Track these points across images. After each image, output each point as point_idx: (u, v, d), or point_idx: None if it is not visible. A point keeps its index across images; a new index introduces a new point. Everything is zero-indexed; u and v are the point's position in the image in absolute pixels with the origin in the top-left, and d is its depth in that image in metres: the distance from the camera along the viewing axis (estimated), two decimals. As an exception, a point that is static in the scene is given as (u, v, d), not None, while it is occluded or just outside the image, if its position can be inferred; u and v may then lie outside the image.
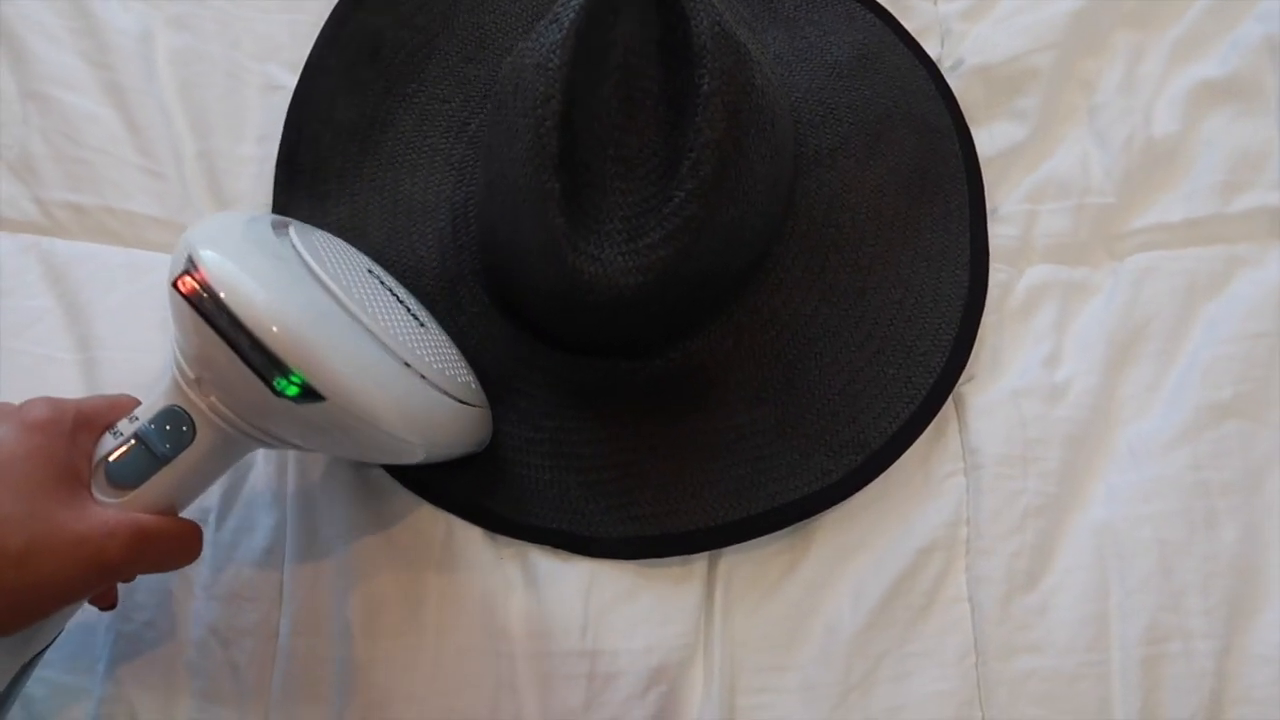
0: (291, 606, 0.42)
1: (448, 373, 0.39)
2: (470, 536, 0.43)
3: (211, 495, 0.42)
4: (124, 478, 0.34)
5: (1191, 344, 0.47)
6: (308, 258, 0.36)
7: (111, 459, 0.34)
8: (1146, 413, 0.46)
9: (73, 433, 0.34)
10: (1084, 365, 0.46)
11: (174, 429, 0.34)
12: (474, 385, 0.42)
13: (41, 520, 0.31)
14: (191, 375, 0.34)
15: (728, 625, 0.42)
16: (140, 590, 0.41)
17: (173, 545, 0.35)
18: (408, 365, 0.36)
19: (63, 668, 0.40)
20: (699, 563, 0.43)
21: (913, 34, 0.52)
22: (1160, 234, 0.49)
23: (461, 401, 0.39)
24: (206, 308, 0.32)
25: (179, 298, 0.33)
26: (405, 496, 0.43)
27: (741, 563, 0.43)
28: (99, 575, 0.33)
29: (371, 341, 0.35)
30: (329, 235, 0.42)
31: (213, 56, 0.50)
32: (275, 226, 0.38)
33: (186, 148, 0.48)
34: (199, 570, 0.42)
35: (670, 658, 0.42)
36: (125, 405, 0.36)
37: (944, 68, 0.52)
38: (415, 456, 0.37)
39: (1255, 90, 0.50)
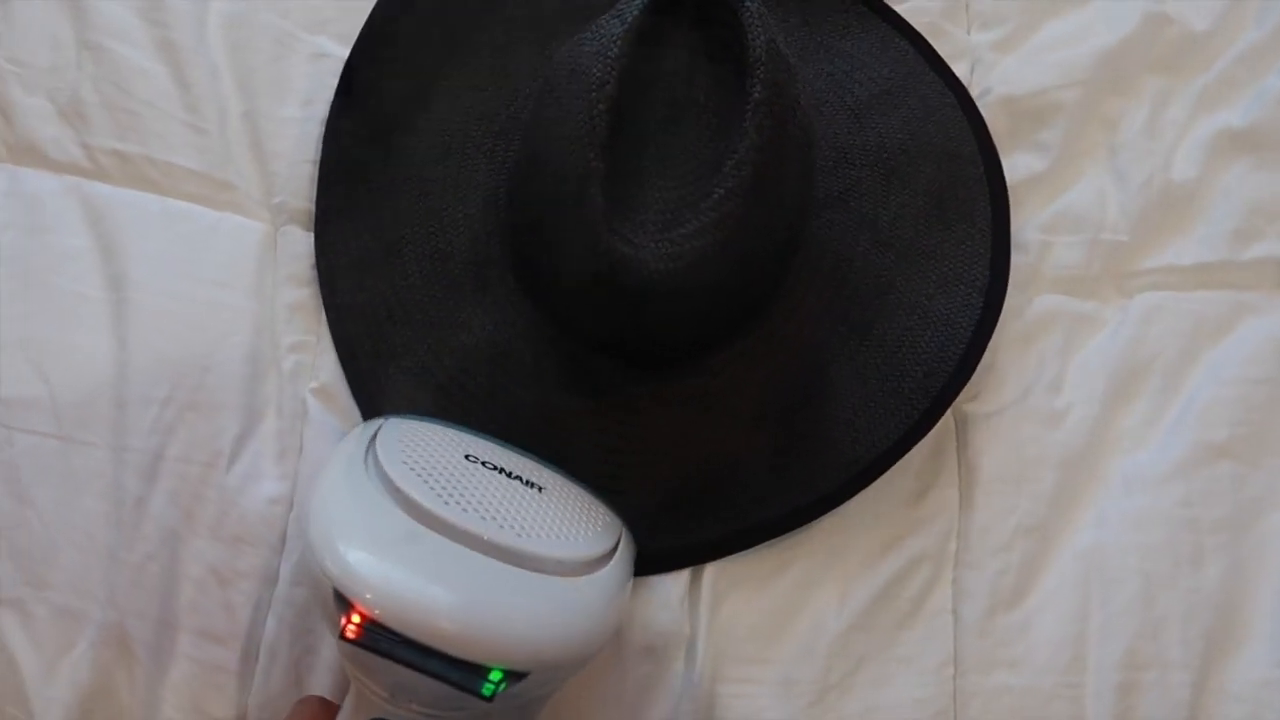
0: (293, 558, 0.42)
1: (585, 534, 0.37)
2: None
3: (224, 439, 0.43)
4: None
5: (1192, 384, 0.48)
6: (416, 496, 0.33)
7: None
8: (1142, 446, 0.47)
9: None
10: (1084, 394, 0.47)
11: None
12: (609, 518, 0.40)
13: None
14: (384, 694, 0.33)
15: (716, 614, 0.43)
16: (147, 523, 0.42)
17: None
18: (564, 575, 0.34)
19: (66, 590, 0.41)
20: (693, 549, 0.44)
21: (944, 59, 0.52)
22: (1170, 275, 0.50)
23: (611, 553, 0.37)
24: (384, 646, 0.31)
25: (348, 646, 0.31)
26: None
27: (735, 555, 0.44)
28: None
29: (531, 577, 0.33)
30: (413, 428, 0.39)
31: (262, 23, 0.51)
32: (367, 463, 0.35)
33: (232, 106, 0.50)
34: (205, 510, 0.43)
35: (657, 640, 0.42)
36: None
37: (971, 95, 0.52)
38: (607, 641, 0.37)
39: (1274, 143, 0.51)
